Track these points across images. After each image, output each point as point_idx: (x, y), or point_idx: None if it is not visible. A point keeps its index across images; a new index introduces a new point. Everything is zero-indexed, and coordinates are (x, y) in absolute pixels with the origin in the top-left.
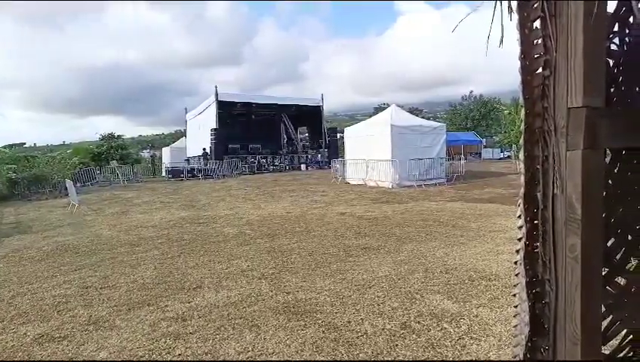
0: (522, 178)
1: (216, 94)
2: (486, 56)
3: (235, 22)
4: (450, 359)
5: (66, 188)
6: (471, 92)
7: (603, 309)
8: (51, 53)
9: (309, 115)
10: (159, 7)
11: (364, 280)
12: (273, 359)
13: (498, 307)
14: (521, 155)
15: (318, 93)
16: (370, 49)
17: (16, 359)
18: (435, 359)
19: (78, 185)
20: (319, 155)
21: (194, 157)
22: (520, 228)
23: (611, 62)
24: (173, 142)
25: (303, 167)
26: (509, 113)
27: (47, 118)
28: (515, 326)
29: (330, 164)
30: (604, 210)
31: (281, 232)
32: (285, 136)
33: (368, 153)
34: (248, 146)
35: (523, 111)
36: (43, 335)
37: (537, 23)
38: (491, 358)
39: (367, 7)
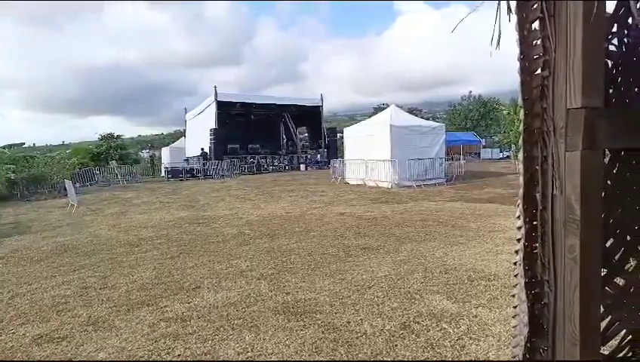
0: (521, 178)
1: (216, 94)
2: (490, 57)
3: (235, 22)
4: (450, 359)
5: (65, 189)
6: (470, 92)
7: (602, 310)
8: (51, 53)
9: (308, 115)
10: (159, 7)
11: (364, 281)
12: (273, 359)
13: (497, 307)
14: (520, 156)
15: (317, 93)
16: (370, 49)
17: (15, 359)
18: (435, 359)
19: (78, 185)
20: (318, 155)
21: (193, 157)
22: (519, 228)
23: (610, 62)
24: (173, 142)
25: (302, 167)
26: (508, 113)
27: (46, 118)
28: (514, 327)
29: (329, 164)
30: (603, 210)
31: (280, 232)
32: (285, 137)
33: (368, 153)
34: (248, 146)
35: (522, 112)
36: (42, 336)
37: (536, 24)
38: (490, 358)
39: (367, 7)
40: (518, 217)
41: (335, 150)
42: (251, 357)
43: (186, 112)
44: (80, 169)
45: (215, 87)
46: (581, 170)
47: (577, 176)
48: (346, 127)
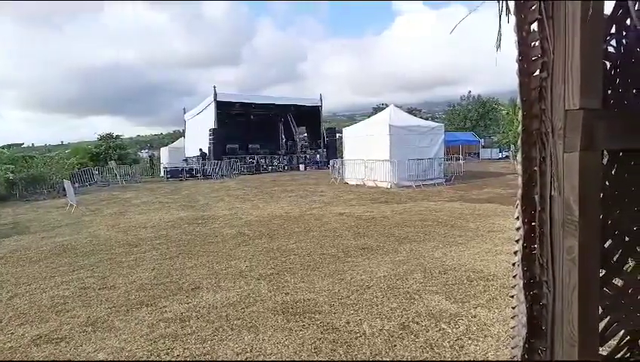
0: (520, 179)
1: (215, 94)
2: (489, 57)
3: (234, 22)
4: (449, 359)
5: (64, 189)
6: (469, 92)
7: (600, 310)
8: (50, 52)
9: (307, 115)
10: (158, 7)
11: (363, 281)
12: (272, 359)
13: (496, 307)
14: (519, 157)
15: (316, 93)
16: (369, 49)
17: (14, 360)
18: (434, 359)
19: (77, 185)
20: (318, 155)
21: (192, 157)
22: (518, 229)
23: (608, 64)
24: (172, 142)
25: (301, 167)
26: (507, 113)
27: (45, 118)
28: (512, 328)
29: (328, 164)
30: (602, 211)
31: (279, 233)
32: (284, 136)
33: (367, 153)
34: (247, 146)
35: (520, 113)
36: (41, 337)
37: (535, 25)
38: (489, 359)
39: (365, 7)
40: (517, 218)
41: (334, 150)
42: (250, 357)
43: (185, 112)
44: (79, 169)
45: (214, 87)
46: (579, 171)
47: (576, 177)
48: (346, 127)
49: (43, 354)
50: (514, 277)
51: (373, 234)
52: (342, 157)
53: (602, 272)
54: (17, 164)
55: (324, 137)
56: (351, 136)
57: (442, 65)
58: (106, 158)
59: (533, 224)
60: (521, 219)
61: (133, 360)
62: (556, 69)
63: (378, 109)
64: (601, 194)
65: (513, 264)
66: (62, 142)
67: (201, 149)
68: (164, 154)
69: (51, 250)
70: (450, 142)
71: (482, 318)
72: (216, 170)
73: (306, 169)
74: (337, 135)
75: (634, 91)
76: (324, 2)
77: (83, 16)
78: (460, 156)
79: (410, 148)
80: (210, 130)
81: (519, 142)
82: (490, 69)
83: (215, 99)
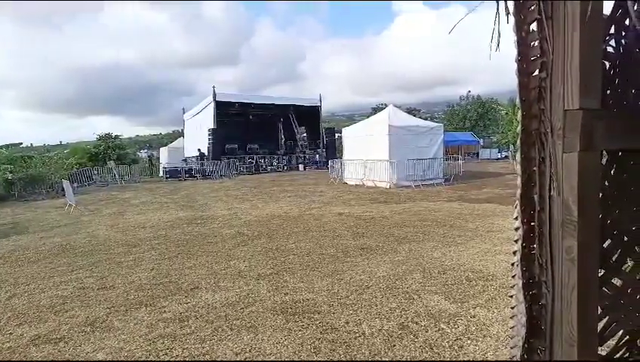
0: (519, 180)
1: (214, 94)
2: (488, 58)
3: (233, 22)
4: (448, 359)
5: (63, 189)
6: (469, 92)
7: (599, 310)
8: (49, 52)
9: (307, 115)
10: (157, 7)
11: (362, 281)
12: (271, 360)
13: (495, 307)
14: (518, 157)
15: (316, 93)
16: (368, 49)
17: (13, 360)
18: (433, 359)
19: (75, 185)
20: (317, 155)
21: (192, 157)
22: (517, 229)
23: (607, 64)
24: (171, 142)
25: (300, 167)
26: (507, 113)
27: (44, 118)
28: (511, 328)
29: (328, 164)
30: (601, 211)
31: (279, 233)
32: (283, 137)
33: (366, 153)
34: (246, 146)
35: (520, 113)
36: (40, 337)
37: (534, 25)
38: (488, 359)
39: (365, 7)
40: (516, 218)
41: (333, 150)
42: (249, 357)
43: (184, 112)
44: (78, 169)
45: (214, 87)
46: (579, 172)
47: (575, 178)
48: (345, 127)
49: (42, 354)
50: (513, 277)
51: (373, 234)
52: (341, 158)
53: (601, 272)
54: (16, 164)
55: (323, 137)
56: (350, 136)
57: (442, 66)
58: (104, 158)
59: (532, 224)
60: (520, 219)
61: (133, 360)
62: (555, 69)
63: (377, 109)
64: (600, 195)
65: (512, 264)
66: (61, 142)
67: (199, 149)
68: (164, 154)
69: (50, 250)
70: (449, 142)
71: (481, 318)
72: (216, 170)
73: (305, 169)
74: (336, 135)
75: (633, 91)
76: (324, 2)
77: (82, 16)
78: (459, 156)
79: (410, 148)
80: (209, 130)
81: (518, 142)
82: (490, 69)
83: (214, 99)
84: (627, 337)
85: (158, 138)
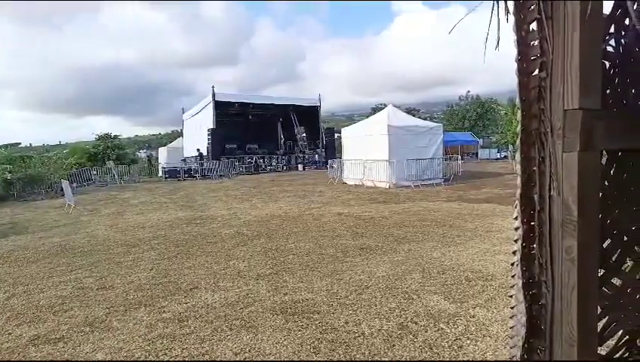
0: (519, 179)
1: (214, 94)
2: (488, 58)
3: (232, 22)
4: (447, 359)
5: (62, 189)
6: (468, 92)
7: (599, 310)
8: (49, 52)
9: (306, 115)
10: (156, 7)
11: (362, 281)
12: (270, 360)
13: (495, 307)
14: (518, 157)
15: (315, 93)
16: (368, 49)
17: (12, 360)
18: (433, 359)
19: (75, 185)
20: (316, 155)
21: (191, 157)
22: (516, 229)
23: (607, 64)
24: (170, 142)
25: (300, 167)
26: (506, 113)
27: (44, 118)
28: (511, 327)
29: (327, 164)
30: (600, 211)
31: (278, 233)
32: (282, 137)
33: (366, 153)
34: (245, 146)
35: (519, 113)
36: (39, 337)
37: (534, 25)
38: (488, 359)
39: (364, 7)
40: (516, 218)
41: (333, 150)
42: (249, 357)
43: (183, 112)
44: (77, 169)
45: (213, 87)
46: (578, 171)
47: (575, 177)
48: (344, 127)
49: (41, 354)
50: (513, 277)
51: (372, 234)
52: (340, 158)
53: (601, 272)
54: (15, 164)
55: (322, 137)
56: (349, 136)
57: (441, 66)
58: (104, 158)
59: (532, 224)
60: (520, 219)
61: (132, 360)
62: (555, 68)
63: (377, 109)
64: (600, 194)
65: (512, 264)
66: (60, 142)
67: (198, 149)
68: (163, 154)
69: (49, 250)
70: (448, 142)
71: (481, 318)
72: (215, 170)
73: (304, 169)
74: (336, 135)
75: (633, 91)
76: (324, 2)
77: (82, 16)
78: (459, 156)
79: (409, 148)
80: (208, 130)
81: (518, 141)
82: (490, 69)
83: (213, 99)
84: (627, 337)
85: (157, 138)
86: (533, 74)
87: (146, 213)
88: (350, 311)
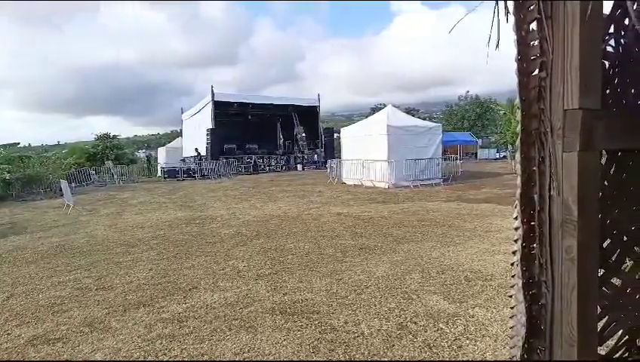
0: (519, 179)
1: (213, 94)
2: (487, 58)
3: (232, 22)
4: (447, 359)
5: (60, 189)
6: (467, 92)
7: (599, 310)
8: (49, 52)
9: (305, 115)
10: (156, 7)
11: (361, 281)
12: (270, 360)
13: (494, 307)
14: (518, 157)
15: (314, 93)
16: (367, 49)
17: (11, 360)
18: (432, 359)
19: (73, 185)
20: (316, 155)
21: (190, 157)
22: (516, 229)
23: (607, 64)
24: (169, 142)
25: (299, 167)
26: (505, 114)
27: (44, 118)
28: (511, 327)
29: (326, 164)
30: (600, 211)
31: (277, 233)
32: (282, 137)
33: (365, 153)
34: (245, 146)
35: (519, 113)
36: (37, 337)
37: (534, 25)
38: (487, 359)
39: (364, 7)
40: (516, 218)
41: (332, 150)
42: (248, 357)
43: (182, 112)
44: (76, 169)
45: (212, 86)
46: (578, 171)
47: (575, 177)
48: (343, 127)
49: (40, 354)
50: (513, 276)
51: (371, 235)
52: (340, 158)
53: (601, 272)
54: (14, 164)
55: (321, 137)
56: (349, 136)
57: (441, 66)
58: (103, 158)
59: (532, 224)
60: (519, 218)
61: (131, 360)
62: (555, 68)
63: (376, 109)
64: (600, 194)
65: (512, 264)
66: (59, 142)
67: (196, 149)
68: (162, 154)
69: (48, 250)
70: (447, 142)
71: (480, 318)
72: (214, 170)
73: (303, 169)
74: (335, 135)
75: (632, 91)
76: (323, 2)
77: (82, 16)
78: (458, 156)
79: (408, 148)
80: (207, 130)
81: (518, 141)
82: (489, 69)
83: (213, 99)
84: (627, 337)
85: (156, 138)
86: (533, 74)
87: (145, 213)
88: (349, 311)
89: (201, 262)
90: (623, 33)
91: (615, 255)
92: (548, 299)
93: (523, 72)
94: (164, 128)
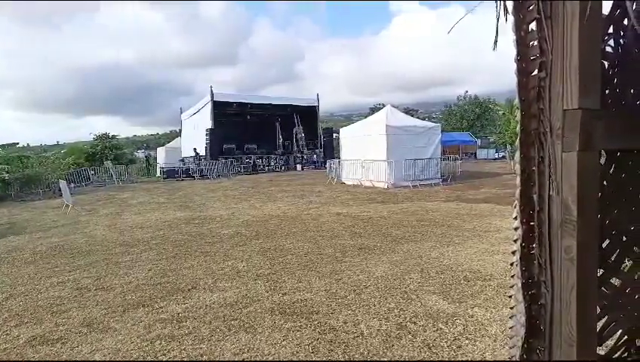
0: (518, 179)
1: (212, 94)
2: (487, 58)
3: (231, 22)
4: (446, 359)
5: (59, 189)
6: (466, 92)
7: (598, 310)
8: (48, 52)
9: (305, 115)
10: (155, 7)
11: (360, 281)
12: (269, 360)
13: (493, 307)
14: (517, 157)
15: (313, 93)
16: (366, 49)
17: (10, 360)
18: (431, 359)
19: (72, 185)
20: (315, 156)
21: (189, 157)
22: (516, 229)
23: (606, 64)
24: (168, 142)
25: (298, 167)
26: (504, 114)
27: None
28: (511, 327)
29: (325, 164)
30: (599, 211)
31: (277, 233)
32: (281, 137)
33: (364, 153)
34: (244, 146)
35: (519, 113)
36: (36, 337)
37: (533, 25)
38: (487, 359)
39: (363, 7)
40: (515, 218)
41: (331, 150)
42: (248, 357)
43: (181, 112)
44: (75, 169)
45: (211, 86)
46: (578, 171)
47: (574, 177)
48: (343, 127)
49: (39, 355)
50: (512, 276)
51: (371, 234)
52: (339, 158)
53: (600, 272)
54: (13, 164)
55: (321, 137)
56: (348, 137)
57: (440, 66)
58: (102, 158)
59: (531, 224)
60: (519, 218)
61: (130, 360)
62: (555, 68)
63: (375, 109)
64: (599, 194)
65: (511, 264)
66: (58, 142)
67: (195, 149)
68: (161, 154)
69: (47, 250)
70: (446, 142)
71: (479, 318)
72: (213, 170)
73: (303, 169)
74: (334, 135)
75: (632, 91)
76: (322, 2)
77: (81, 16)
78: (457, 156)
79: (407, 148)
80: (206, 130)
81: (517, 141)
82: (488, 69)
83: (212, 99)
84: (626, 337)
85: (155, 138)
86: (533, 74)
87: (144, 213)
88: (349, 311)
89: (200, 262)
90: (622, 33)
91: (614, 255)
92: (547, 299)
93: (522, 72)
94: (163, 128)
